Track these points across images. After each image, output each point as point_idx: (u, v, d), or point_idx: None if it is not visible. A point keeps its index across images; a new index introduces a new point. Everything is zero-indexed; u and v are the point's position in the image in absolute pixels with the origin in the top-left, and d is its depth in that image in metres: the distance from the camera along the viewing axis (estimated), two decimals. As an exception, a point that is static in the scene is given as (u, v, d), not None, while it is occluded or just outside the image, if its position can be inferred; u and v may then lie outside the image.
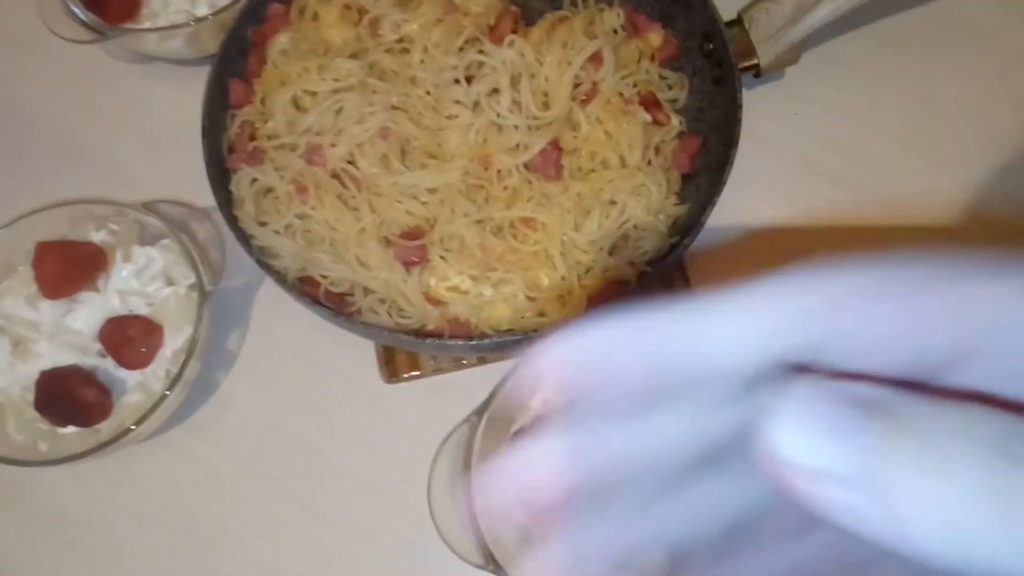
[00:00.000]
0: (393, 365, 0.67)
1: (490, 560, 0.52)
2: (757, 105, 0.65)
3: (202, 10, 0.74)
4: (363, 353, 0.67)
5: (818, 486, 0.17)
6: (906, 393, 0.18)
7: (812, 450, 0.17)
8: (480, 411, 0.56)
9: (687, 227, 0.63)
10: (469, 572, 0.54)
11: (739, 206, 0.70)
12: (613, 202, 0.64)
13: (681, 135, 0.68)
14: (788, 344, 0.19)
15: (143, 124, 0.78)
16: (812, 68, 0.74)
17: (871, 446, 0.17)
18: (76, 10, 0.72)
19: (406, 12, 0.68)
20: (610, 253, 0.63)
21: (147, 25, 0.75)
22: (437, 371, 0.67)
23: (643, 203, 0.64)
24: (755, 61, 0.68)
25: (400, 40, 0.68)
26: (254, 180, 0.64)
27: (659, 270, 0.58)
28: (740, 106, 0.62)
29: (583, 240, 0.62)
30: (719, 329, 0.20)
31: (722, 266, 0.69)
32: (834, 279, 0.20)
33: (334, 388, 0.67)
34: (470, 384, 0.66)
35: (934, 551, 0.16)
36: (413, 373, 0.67)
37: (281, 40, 0.68)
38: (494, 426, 0.57)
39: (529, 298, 0.61)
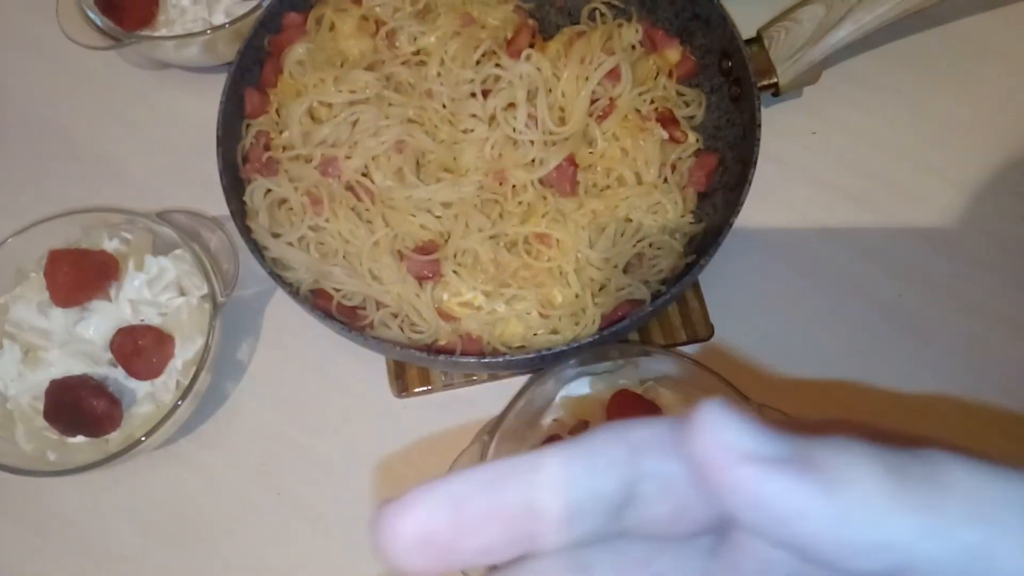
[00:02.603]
0: (404, 379, 0.67)
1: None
2: (774, 123, 0.64)
3: (219, 18, 0.74)
4: (374, 367, 0.67)
5: (749, 469, 0.19)
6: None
7: (745, 433, 0.19)
8: (492, 430, 0.55)
9: (703, 246, 0.62)
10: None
11: (755, 222, 0.69)
12: (629, 219, 0.63)
13: (698, 153, 0.67)
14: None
15: (157, 131, 0.78)
16: (830, 87, 0.74)
17: (793, 440, 0.19)
18: (93, 16, 0.72)
19: (423, 24, 0.68)
20: (624, 271, 0.63)
21: (163, 32, 0.74)
22: (448, 386, 0.66)
23: (659, 221, 0.63)
24: (774, 80, 0.67)
25: (417, 52, 0.68)
26: (268, 191, 0.64)
27: (674, 290, 0.58)
28: (759, 125, 0.61)
29: (597, 257, 0.62)
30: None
31: (736, 285, 0.69)
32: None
33: (344, 401, 0.67)
34: (481, 400, 0.66)
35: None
36: (424, 388, 0.66)
37: (298, 50, 0.68)
38: (505, 445, 0.57)
39: (542, 315, 0.61)
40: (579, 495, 0.20)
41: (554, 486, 0.20)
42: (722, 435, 0.19)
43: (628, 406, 0.55)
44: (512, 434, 0.58)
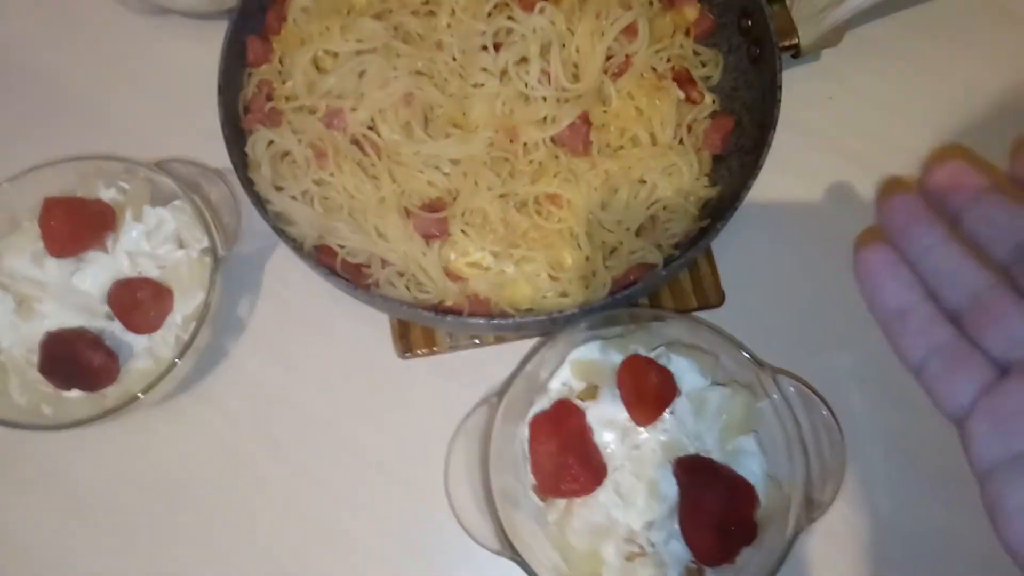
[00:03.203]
0: (408, 340, 0.65)
1: (507, 546, 0.51)
2: (790, 87, 0.62)
3: (220, -38, 0.71)
4: (377, 326, 0.66)
5: None
6: None
7: None
8: (500, 393, 0.54)
9: (718, 211, 0.61)
10: (484, 557, 0.53)
11: (767, 188, 0.68)
12: (642, 181, 0.62)
13: (714, 114, 0.66)
14: None
15: (156, 79, 0.76)
16: (848, 52, 0.72)
17: None
18: (89, -44, 0.70)
19: (434, -27, 0.65)
20: (637, 234, 0.61)
21: (162, -25, 0.72)
22: (453, 348, 0.65)
23: (673, 183, 0.62)
24: (795, 40, 0.65)
25: (427, 2, 0.65)
26: (271, 142, 0.62)
27: (688, 254, 0.56)
28: (779, 86, 0.60)
29: (609, 219, 0.60)
30: None
31: (748, 249, 0.67)
32: None
33: (346, 361, 0.66)
34: (486, 362, 0.65)
35: None
36: (428, 349, 0.65)
37: (303, -4, 0.66)
38: (514, 407, 0.56)
39: (552, 277, 0.59)
40: None
41: None
42: None
43: (640, 371, 0.54)
44: (521, 397, 0.57)
